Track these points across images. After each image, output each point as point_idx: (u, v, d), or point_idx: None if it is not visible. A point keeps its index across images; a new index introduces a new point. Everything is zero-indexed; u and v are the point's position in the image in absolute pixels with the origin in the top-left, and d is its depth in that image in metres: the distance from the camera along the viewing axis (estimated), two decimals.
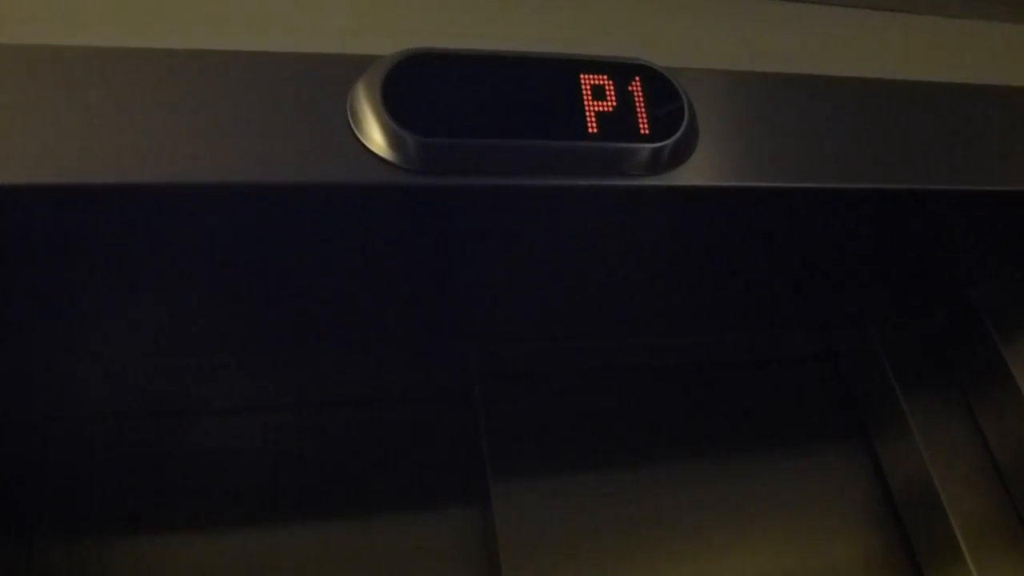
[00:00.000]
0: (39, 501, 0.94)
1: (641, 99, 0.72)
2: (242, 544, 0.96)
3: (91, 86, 0.62)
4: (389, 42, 0.69)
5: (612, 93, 0.71)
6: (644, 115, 0.71)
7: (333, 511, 0.99)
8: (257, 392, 1.02)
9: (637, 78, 0.72)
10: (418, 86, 0.68)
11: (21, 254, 0.71)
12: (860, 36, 0.91)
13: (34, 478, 0.95)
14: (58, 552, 0.92)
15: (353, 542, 0.99)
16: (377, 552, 0.98)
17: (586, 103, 0.70)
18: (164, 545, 0.94)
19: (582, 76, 0.71)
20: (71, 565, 0.92)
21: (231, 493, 0.98)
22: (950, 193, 0.81)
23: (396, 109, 0.67)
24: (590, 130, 0.70)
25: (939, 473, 1.05)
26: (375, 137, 0.67)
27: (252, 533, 0.97)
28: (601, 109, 0.71)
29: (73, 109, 0.61)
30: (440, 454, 1.05)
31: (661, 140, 0.71)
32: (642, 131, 0.71)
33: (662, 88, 0.73)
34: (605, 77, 0.71)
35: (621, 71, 0.72)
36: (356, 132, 0.67)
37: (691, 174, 0.73)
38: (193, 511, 0.96)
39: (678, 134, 0.72)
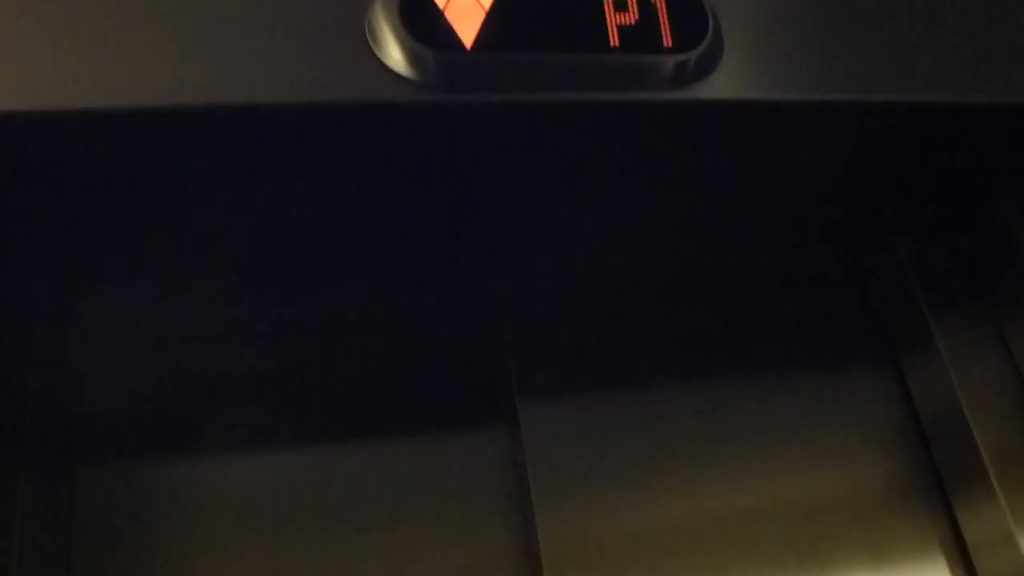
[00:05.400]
0: (79, 428, 0.96)
1: (664, 11, 0.70)
2: (271, 468, 0.98)
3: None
4: None
5: (634, 5, 0.70)
6: (667, 27, 0.70)
7: (360, 436, 1.00)
8: (284, 317, 1.02)
9: None
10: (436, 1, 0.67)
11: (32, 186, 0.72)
12: None
13: (73, 406, 0.97)
14: (99, 477, 0.95)
15: (381, 466, 1.00)
16: (404, 476, 1.00)
17: (608, 15, 0.69)
18: (197, 469, 0.96)
19: None
20: (111, 491, 0.95)
21: (260, 418, 1.00)
22: (984, 106, 0.78)
23: (414, 25, 0.66)
24: (612, 43, 0.69)
25: (968, 398, 1.04)
26: (393, 54, 0.66)
27: (281, 457, 0.99)
28: (623, 22, 0.69)
29: (72, 28, 0.61)
30: (467, 376, 1.06)
31: (685, 53, 0.70)
32: (665, 44, 0.70)
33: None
34: None
35: None
36: (374, 49, 0.66)
37: (716, 88, 0.71)
38: (224, 436, 0.98)
39: (702, 46, 0.70)
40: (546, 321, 1.08)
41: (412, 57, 0.65)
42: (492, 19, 0.67)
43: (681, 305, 1.11)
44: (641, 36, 0.69)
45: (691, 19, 0.71)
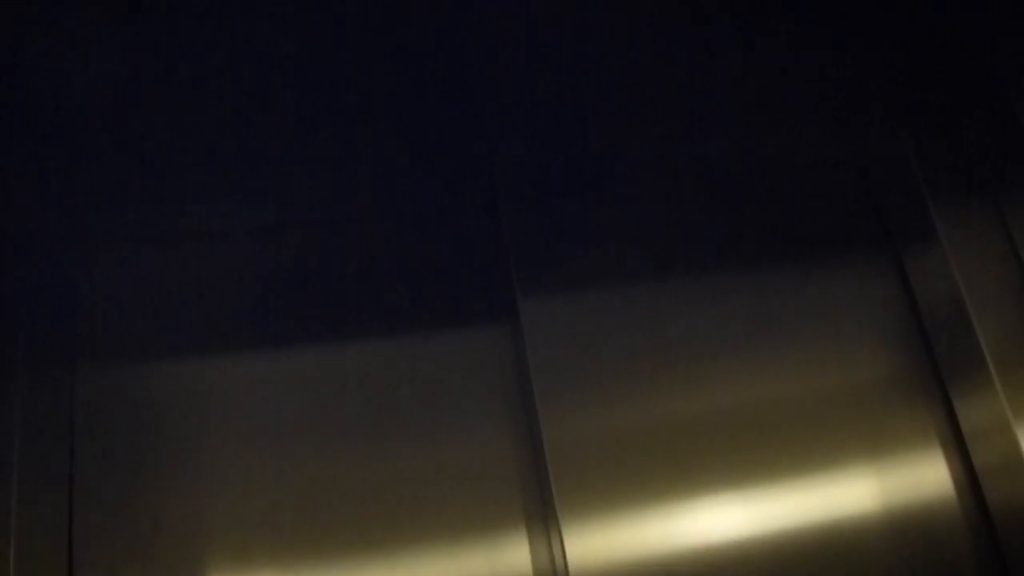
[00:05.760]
0: (79, 327, 0.97)
1: None
2: (271, 364, 0.99)
3: None
4: None
5: None
6: None
7: (359, 335, 1.00)
8: (280, 210, 1.01)
9: None
10: None
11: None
12: None
13: (72, 305, 0.97)
14: (98, 374, 0.95)
15: (380, 366, 1.01)
16: (406, 371, 1.00)
17: None
18: (197, 366, 0.97)
19: None
20: (111, 387, 0.96)
21: (258, 313, 1.00)
22: None
23: None
24: None
25: (969, 289, 1.03)
26: None
27: (281, 353, 0.99)
28: None
29: None
30: (466, 271, 1.06)
31: None
32: None
33: None
34: None
35: None
36: None
37: None
38: (224, 332, 0.98)
39: None
40: (546, 215, 1.06)
41: None
42: None
43: (680, 192, 1.10)
44: None
45: None
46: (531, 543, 0.97)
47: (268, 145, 0.91)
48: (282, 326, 1.00)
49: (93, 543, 0.90)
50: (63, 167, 0.89)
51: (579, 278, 1.05)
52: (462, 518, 0.97)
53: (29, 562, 0.81)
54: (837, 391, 1.06)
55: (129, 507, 0.92)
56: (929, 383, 1.08)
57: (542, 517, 0.98)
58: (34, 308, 0.91)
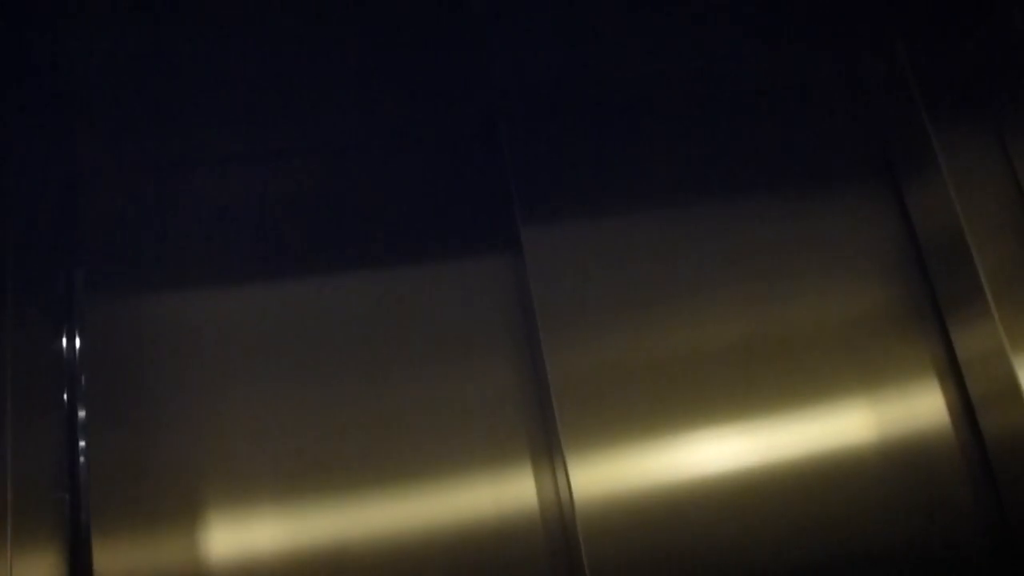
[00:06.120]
0: (78, 254, 0.96)
1: None
2: (269, 295, 0.98)
3: None
4: None
5: None
6: None
7: (358, 263, 1.00)
8: (276, 139, 1.00)
9: None
10: None
11: None
12: None
13: (72, 232, 0.97)
14: (94, 306, 0.95)
15: (381, 294, 1.00)
16: (406, 303, 1.00)
17: None
18: (194, 297, 0.96)
19: None
20: (108, 319, 0.95)
21: (256, 244, 0.99)
22: None
23: None
24: None
25: (967, 216, 1.02)
26: None
27: (280, 284, 0.98)
28: None
29: None
30: (467, 200, 1.05)
31: None
32: None
33: None
34: None
35: None
36: None
37: None
38: (223, 263, 0.98)
39: None
40: (548, 141, 1.05)
41: None
42: None
43: (679, 119, 1.09)
44: None
45: None
46: (536, 475, 0.98)
47: (266, 73, 0.89)
48: (280, 257, 0.99)
49: (93, 478, 0.90)
50: (64, 95, 0.87)
51: (582, 206, 1.04)
52: (466, 451, 0.97)
53: (26, 499, 0.80)
54: (833, 322, 1.06)
55: (128, 441, 0.92)
56: (926, 313, 1.08)
57: (546, 449, 0.98)
58: (31, 234, 0.89)
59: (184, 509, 0.91)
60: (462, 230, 1.04)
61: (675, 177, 1.07)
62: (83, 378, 0.93)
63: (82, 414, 0.93)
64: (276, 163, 1.01)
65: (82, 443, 0.92)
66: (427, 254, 1.02)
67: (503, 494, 0.96)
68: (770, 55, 1.06)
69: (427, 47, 0.90)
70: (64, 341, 0.93)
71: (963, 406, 1.05)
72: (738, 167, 1.09)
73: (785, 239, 1.07)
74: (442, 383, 0.99)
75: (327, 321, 0.98)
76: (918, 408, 1.04)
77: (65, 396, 0.90)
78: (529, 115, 1.05)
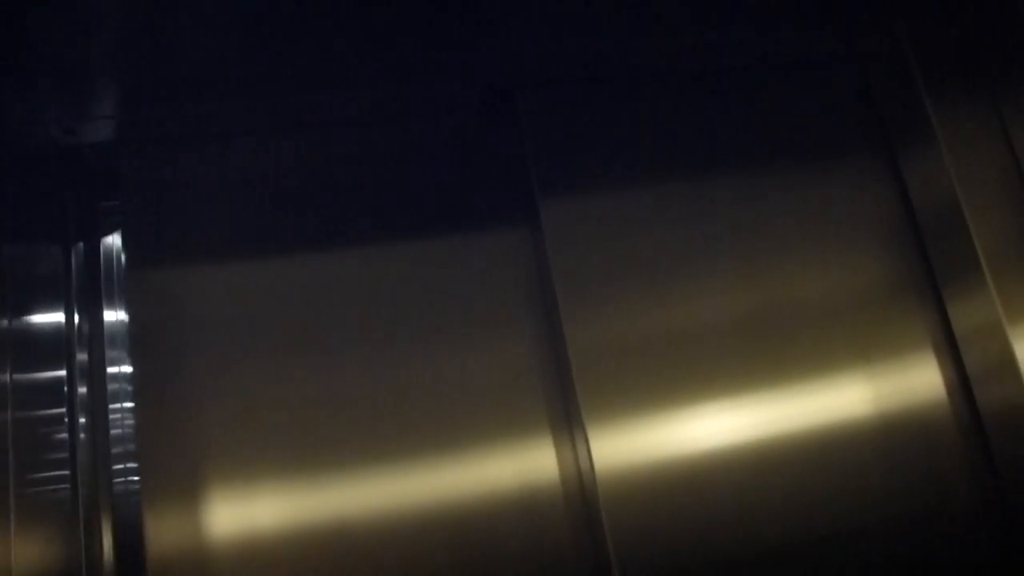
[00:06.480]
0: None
1: None
2: (288, 269, 0.98)
3: None
4: None
5: None
6: None
7: (375, 236, 1.00)
8: (291, 111, 1.00)
9: None
10: None
11: None
12: None
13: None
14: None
15: (397, 267, 1.00)
16: (424, 276, 1.00)
17: None
18: (212, 270, 0.97)
19: None
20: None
21: (270, 217, 0.99)
22: None
23: None
24: None
25: (965, 190, 1.02)
26: None
27: (298, 258, 0.98)
28: None
29: None
30: (485, 173, 1.05)
31: None
32: None
33: None
34: None
35: None
36: None
37: None
38: (240, 236, 0.98)
39: None
40: (565, 112, 1.05)
41: None
42: None
43: (682, 91, 1.09)
44: None
45: None
46: (556, 446, 0.98)
47: (277, 43, 0.88)
48: (296, 231, 0.99)
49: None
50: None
51: (599, 178, 1.04)
52: (486, 423, 0.97)
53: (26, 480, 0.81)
54: (831, 296, 1.06)
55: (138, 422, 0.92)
56: (923, 286, 1.08)
57: (566, 420, 0.99)
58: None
59: (229, 477, 0.91)
60: (479, 203, 1.04)
61: (688, 149, 1.07)
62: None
63: (82, 390, 0.94)
64: (291, 137, 1.01)
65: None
66: (445, 227, 1.02)
67: (524, 466, 0.97)
68: (771, 30, 1.05)
69: (444, 17, 0.89)
70: (63, 315, 0.93)
71: (960, 379, 1.05)
72: (737, 141, 1.09)
73: (783, 214, 1.07)
74: (462, 356, 0.99)
75: (345, 295, 0.98)
76: (915, 381, 1.05)
77: (64, 372, 0.91)
78: (546, 86, 1.04)
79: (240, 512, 0.90)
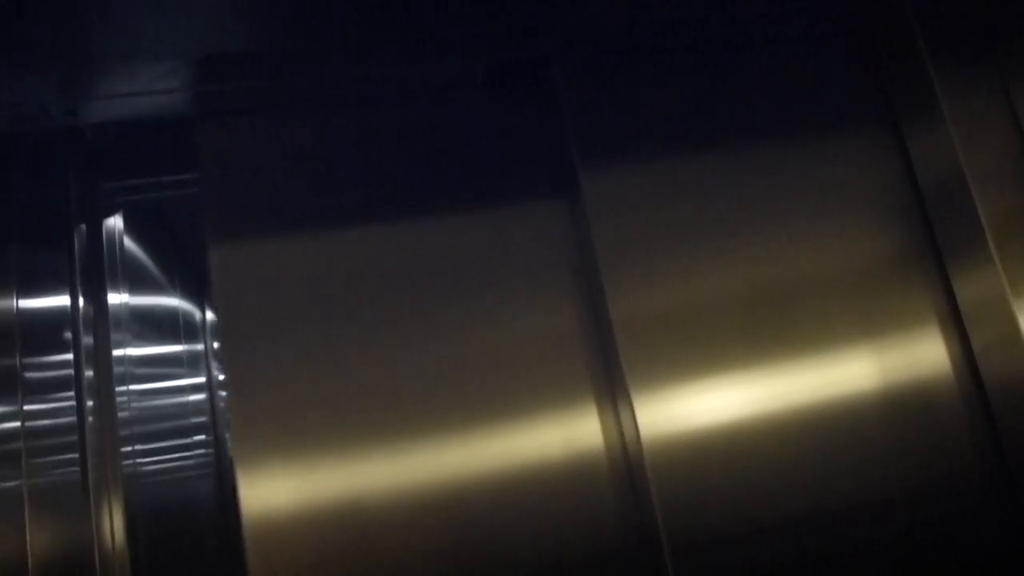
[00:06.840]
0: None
1: None
2: (331, 242, 0.99)
3: None
4: None
5: None
6: None
7: (419, 210, 1.01)
8: (334, 85, 1.00)
9: None
10: None
11: None
12: None
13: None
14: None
15: (441, 239, 1.01)
16: (467, 248, 1.01)
17: None
18: (261, 243, 0.97)
19: None
20: None
21: (316, 190, 0.99)
22: None
23: None
24: None
25: (970, 165, 1.01)
26: None
27: (343, 231, 0.99)
28: None
29: None
30: (524, 142, 1.05)
31: None
32: None
33: None
34: None
35: None
36: None
37: None
38: (289, 210, 0.99)
39: None
40: (601, 79, 1.05)
41: None
42: None
43: (686, 68, 1.08)
44: None
45: None
46: (600, 414, 0.99)
47: (316, 15, 0.87)
48: (339, 204, 1.00)
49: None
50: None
51: (637, 146, 1.04)
52: (531, 393, 0.98)
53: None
54: (836, 271, 1.05)
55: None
56: (928, 260, 1.08)
57: (610, 388, 1.00)
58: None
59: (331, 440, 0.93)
60: (519, 172, 1.04)
61: (677, 126, 1.07)
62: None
63: (89, 374, 0.94)
64: (335, 109, 1.01)
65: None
66: (487, 197, 1.02)
67: (569, 434, 0.98)
68: (778, 2, 1.05)
69: None
70: (68, 299, 0.93)
71: (964, 353, 1.05)
72: (742, 115, 1.08)
73: (787, 187, 1.06)
74: (506, 325, 1.00)
75: (387, 268, 0.99)
76: (920, 355, 1.05)
77: (71, 356, 0.91)
78: (584, 55, 1.04)
79: (316, 480, 0.92)
